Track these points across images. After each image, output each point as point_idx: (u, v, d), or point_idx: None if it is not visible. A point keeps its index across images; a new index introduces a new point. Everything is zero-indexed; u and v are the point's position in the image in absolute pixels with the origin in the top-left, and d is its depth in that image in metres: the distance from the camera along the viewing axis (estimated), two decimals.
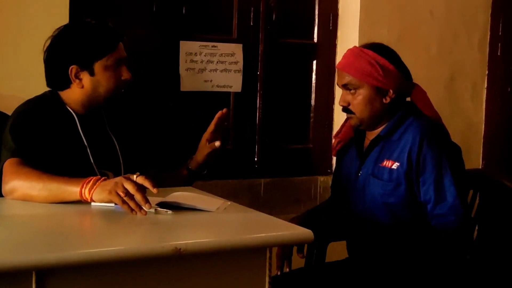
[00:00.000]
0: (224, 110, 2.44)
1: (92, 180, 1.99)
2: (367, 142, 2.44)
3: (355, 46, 2.44)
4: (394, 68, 2.34)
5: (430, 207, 2.27)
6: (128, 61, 2.34)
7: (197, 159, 2.48)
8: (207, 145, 2.44)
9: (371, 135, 2.42)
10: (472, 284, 2.38)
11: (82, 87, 2.29)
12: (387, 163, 2.32)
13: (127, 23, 3.16)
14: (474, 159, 3.91)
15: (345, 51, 2.43)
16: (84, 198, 1.99)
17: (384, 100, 2.35)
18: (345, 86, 2.37)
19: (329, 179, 2.68)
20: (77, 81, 2.29)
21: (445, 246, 2.26)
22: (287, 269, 2.37)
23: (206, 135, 2.45)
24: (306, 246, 2.37)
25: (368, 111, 2.35)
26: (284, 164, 3.64)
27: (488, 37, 3.97)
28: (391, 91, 2.34)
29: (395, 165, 2.30)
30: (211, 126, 2.44)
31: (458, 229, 2.25)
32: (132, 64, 2.38)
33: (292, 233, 1.82)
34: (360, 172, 2.40)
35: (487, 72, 3.98)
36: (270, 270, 1.80)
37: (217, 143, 2.42)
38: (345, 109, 2.39)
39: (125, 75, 2.32)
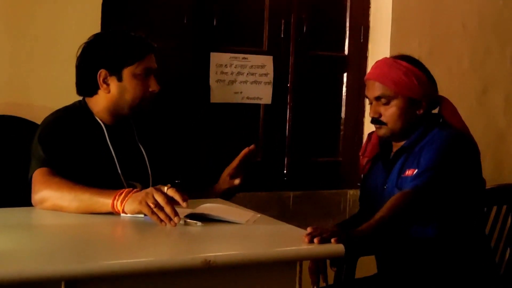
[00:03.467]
0: (252, 146, 2.39)
1: (124, 192, 1.99)
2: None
3: (386, 57, 2.41)
4: (427, 79, 2.32)
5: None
6: (158, 73, 2.33)
7: (215, 190, 2.44)
8: (227, 179, 2.41)
9: (396, 146, 2.39)
10: None
11: (109, 92, 2.29)
12: (408, 173, 2.27)
13: (158, 34, 3.18)
14: (506, 173, 3.85)
15: None
16: (116, 210, 1.99)
17: (418, 112, 2.32)
18: (377, 98, 2.33)
19: (358, 193, 2.64)
20: (105, 85, 2.28)
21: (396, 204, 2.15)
22: (324, 284, 2.32)
23: (229, 169, 2.41)
24: None
25: (402, 123, 2.32)
26: (313, 177, 3.61)
27: None
28: (424, 102, 2.32)
29: (415, 172, 2.24)
30: (235, 161, 2.40)
31: (416, 189, 2.17)
32: (163, 75, 2.37)
33: (322, 247, 1.80)
34: (386, 185, 2.37)
35: None
36: (300, 284, 1.77)
37: (237, 181, 2.39)
38: (376, 120, 2.35)
39: (153, 86, 2.30)
